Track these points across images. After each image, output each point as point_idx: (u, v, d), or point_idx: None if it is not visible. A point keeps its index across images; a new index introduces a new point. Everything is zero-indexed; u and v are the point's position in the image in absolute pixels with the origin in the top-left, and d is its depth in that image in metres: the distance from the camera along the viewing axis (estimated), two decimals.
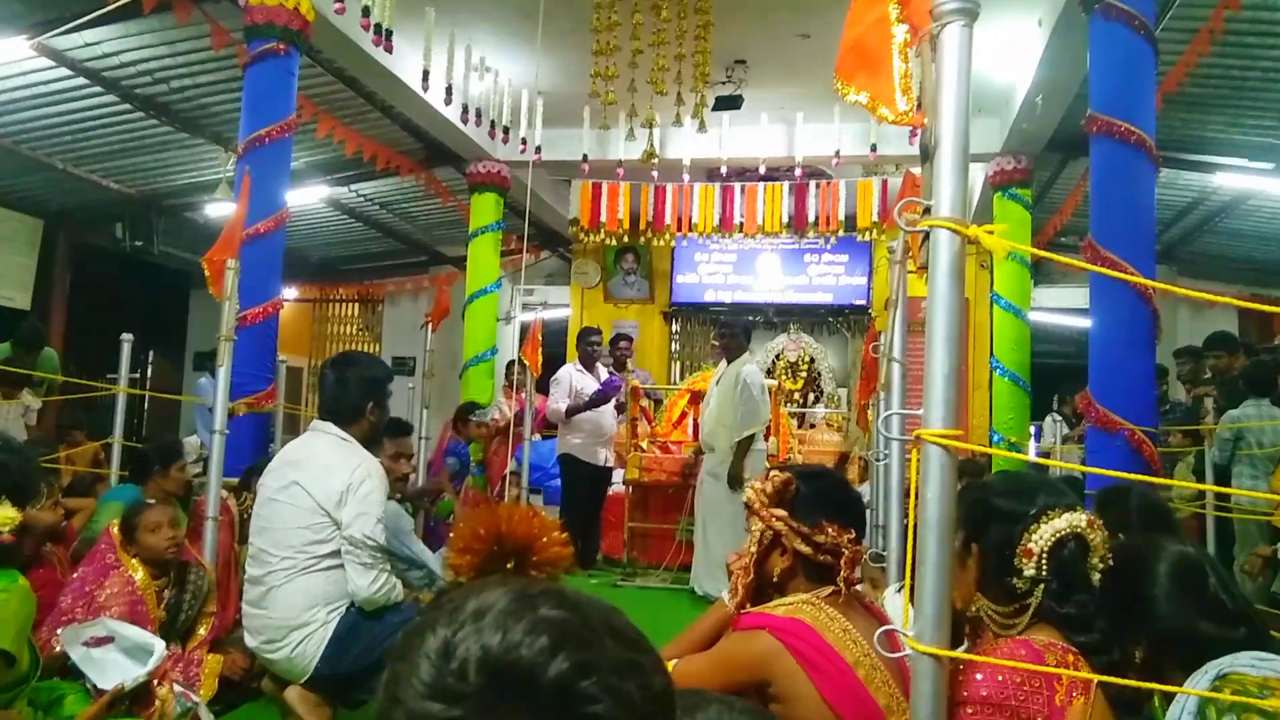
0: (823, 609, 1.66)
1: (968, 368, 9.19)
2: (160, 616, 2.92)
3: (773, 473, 1.80)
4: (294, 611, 2.64)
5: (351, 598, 2.64)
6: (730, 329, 5.75)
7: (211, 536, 3.35)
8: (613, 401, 6.52)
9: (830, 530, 1.72)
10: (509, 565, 0.83)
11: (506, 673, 0.57)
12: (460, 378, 7.83)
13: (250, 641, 2.74)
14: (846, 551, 1.71)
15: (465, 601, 0.62)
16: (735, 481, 5.30)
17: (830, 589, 1.71)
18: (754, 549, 1.77)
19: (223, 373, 3.47)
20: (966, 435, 8.74)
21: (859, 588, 1.80)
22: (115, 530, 2.97)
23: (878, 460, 3.32)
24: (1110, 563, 1.49)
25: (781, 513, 1.75)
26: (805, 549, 1.72)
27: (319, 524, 2.65)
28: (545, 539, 0.84)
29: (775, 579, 1.76)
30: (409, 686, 0.58)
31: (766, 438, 5.93)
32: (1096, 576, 1.48)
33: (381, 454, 3.23)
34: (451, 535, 0.90)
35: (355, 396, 2.83)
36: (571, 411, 6.29)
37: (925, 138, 1.34)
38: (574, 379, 6.45)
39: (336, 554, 2.64)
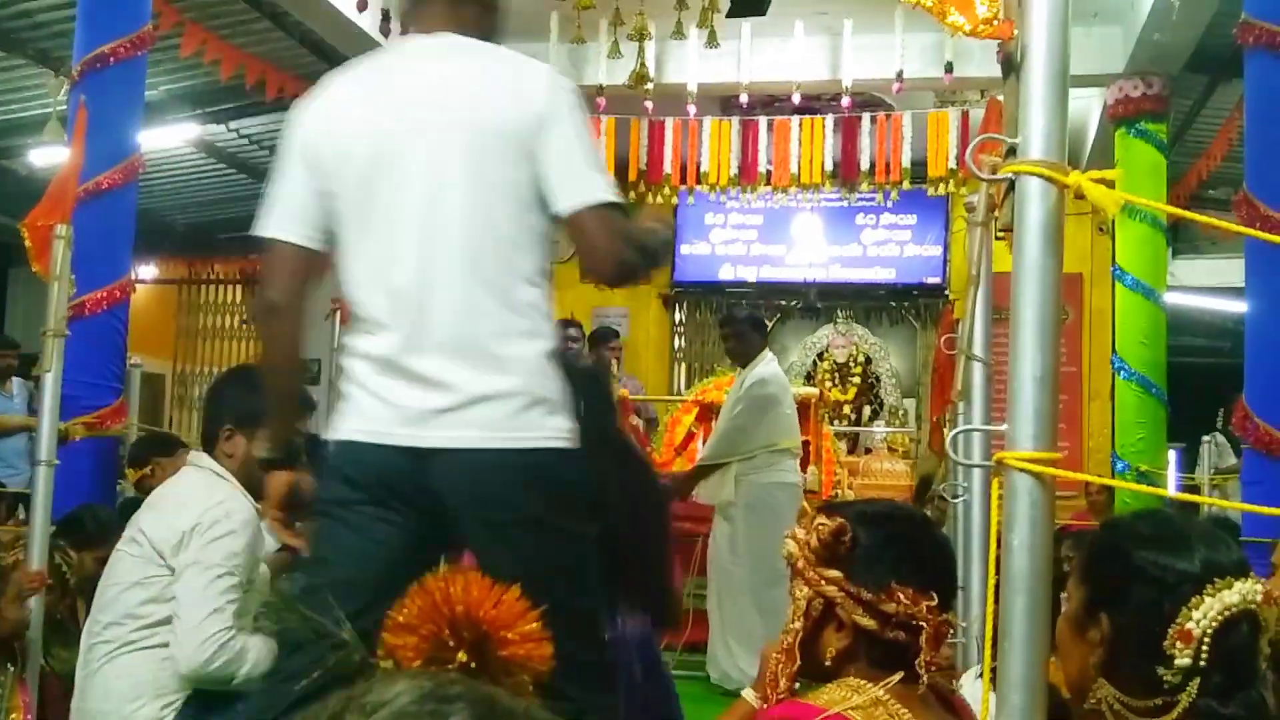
0: (884, 705, 1.65)
1: (1081, 369, 9.22)
2: None
3: (819, 519, 1.76)
4: (113, 703, 2.68)
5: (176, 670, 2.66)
6: (733, 324, 5.75)
7: (39, 612, 3.33)
8: None
9: (902, 596, 1.69)
10: (463, 658, 0.83)
11: None
12: None
13: None
14: (927, 625, 1.67)
15: (364, 694, 0.63)
16: (675, 492, 5.53)
17: (898, 676, 1.69)
18: (798, 624, 1.73)
19: (50, 380, 3.46)
20: (1080, 462, 8.81)
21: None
22: None
23: (955, 497, 3.32)
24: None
25: (835, 574, 1.72)
26: (868, 623, 1.69)
27: (153, 578, 2.71)
28: (516, 629, 0.85)
29: (829, 663, 1.72)
30: None
31: (805, 466, 5.93)
32: (1263, 665, 1.46)
33: (268, 504, 3.25)
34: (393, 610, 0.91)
35: (209, 418, 3.02)
36: None
37: (1010, 48, 1.34)
38: None
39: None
